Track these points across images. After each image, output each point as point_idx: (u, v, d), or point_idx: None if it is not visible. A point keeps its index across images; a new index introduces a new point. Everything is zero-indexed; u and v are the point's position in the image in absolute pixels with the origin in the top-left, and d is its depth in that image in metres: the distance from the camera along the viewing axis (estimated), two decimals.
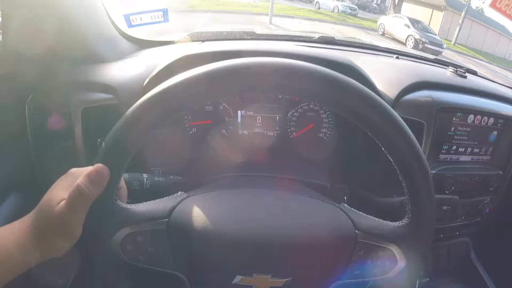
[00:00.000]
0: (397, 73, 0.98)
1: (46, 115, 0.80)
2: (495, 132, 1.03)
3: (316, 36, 1.35)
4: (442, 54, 12.65)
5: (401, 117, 0.84)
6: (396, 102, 0.88)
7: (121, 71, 0.89)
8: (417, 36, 12.55)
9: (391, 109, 0.46)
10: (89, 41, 0.91)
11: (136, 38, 1.16)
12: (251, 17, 13.18)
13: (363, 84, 0.46)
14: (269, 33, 1.57)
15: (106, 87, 0.81)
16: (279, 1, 18.30)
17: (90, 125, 0.79)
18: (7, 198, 0.77)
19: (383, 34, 14.52)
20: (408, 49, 1.95)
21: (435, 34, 13.63)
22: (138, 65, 0.91)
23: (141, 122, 0.44)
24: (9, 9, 0.78)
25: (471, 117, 0.96)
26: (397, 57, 1.28)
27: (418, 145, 0.47)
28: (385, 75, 0.96)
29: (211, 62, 0.75)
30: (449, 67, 1.15)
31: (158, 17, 1.12)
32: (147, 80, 0.83)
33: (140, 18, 1.09)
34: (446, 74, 1.08)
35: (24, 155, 0.82)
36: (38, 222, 0.45)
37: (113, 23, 1.04)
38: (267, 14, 12.25)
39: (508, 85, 1.52)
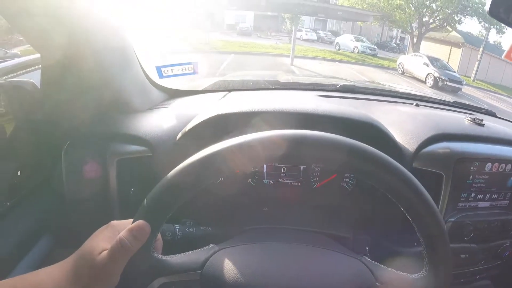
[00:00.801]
0: (416, 125, 1.00)
1: (81, 163, 0.84)
2: None
3: (338, 84, 1.40)
4: (462, 90, 12.67)
5: (420, 169, 0.86)
6: (416, 154, 0.90)
7: (154, 123, 0.93)
8: (436, 74, 12.62)
9: (409, 174, 0.50)
10: (124, 92, 0.97)
11: (166, 87, 1.24)
12: (273, 58, 13.65)
13: (384, 143, 0.48)
14: (292, 81, 1.66)
15: (140, 140, 0.85)
16: (300, 42, 18.96)
17: (124, 175, 0.83)
18: (39, 240, 0.81)
19: (403, 73, 14.67)
20: (427, 92, 2.01)
21: (454, 71, 13.67)
22: (170, 118, 0.96)
23: (181, 186, 0.48)
24: (49, 58, 0.83)
25: (489, 165, 0.97)
26: (416, 105, 1.31)
27: (433, 204, 0.49)
28: (405, 128, 0.99)
29: (238, 122, 0.86)
30: (467, 115, 1.17)
31: (188, 69, 1.18)
32: (179, 135, 0.88)
33: (171, 70, 1.15)
34: (464, 123, 1.10)
35: (58, 200, 0.85)
36: (78, 269, 0.47)
37: (145, 73, 1.11)
38: (289, 56, 12.67)
39: None
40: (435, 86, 12.35)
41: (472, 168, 0.95)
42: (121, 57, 0.97)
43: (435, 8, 19.58)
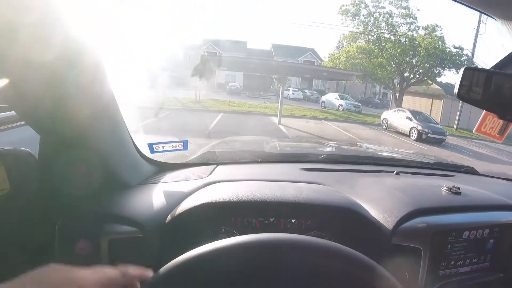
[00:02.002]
0: (394, 202, 1.05)
1: (74, 239, 0.85)
2: (491, 240, 1.07)
3: (322, 155, 1.50)
4: (446, 141, 13.04)
5: (399, 244, 0.94)
6: (394, 231, 0.94)
7: (145, 203, 0.99)
8: (419, 128, 13.02)
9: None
10: (116, 167, 1.03)
11: (157, 161, 1.28)
12: (262, 117, 14.02)
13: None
14: (277, 151, 1.78)
15: (131, 221, 0.89)
16: (287, 101, 19.61)
17: (117, 254, 0.85)
18: None
19: (387, 128, 15.10)
20: (409, 153, 2.10)
21: (437, 123, 14.14)
22: (160, 197, 1.02)
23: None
24: (48, 140, 0.91)
25: (466, 233, 1.02)
26: (397, 173, 1.36)
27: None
28: (383, 205, 1.03)
29: (224, 212, 0.95)
30: (446, 181, 1.24)
31: (178, 146, 1.25)
32: (169, 218, 0.93)
33: (162, 146, 1.22)
34: (440, 194, 1.15)
35: None
36: None
37: (136, 148, 1.16)
38: (277, 115, 13.03)
39: (508, 178, 1.63)
40: (419, 139, 12.71)
41: (449, 238, 1.00)
42: (114, 133, 1.01)
43: (414, 63, 20.61)
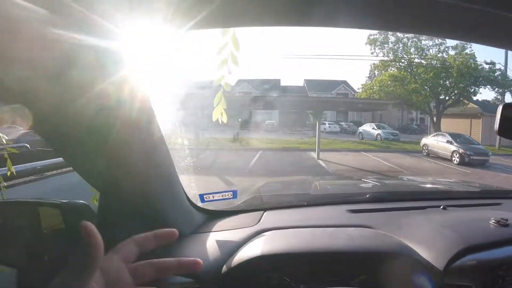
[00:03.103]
0: (444, 241, 1.05)
1: None
2: None
3: (367, 195, 1.51)
4: (489, 161, 12.37)
5: (451, 284, 0.95)
6: (445, 271, 0.94)
7: (199, 252, 1.02)
8: (461, 151, 12.55)
9: None
10: (169, 218, 1.04)
11: (206, 209, 1.30)
12: (300, 153, 14.15)
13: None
14: (323, 193, 1.82)
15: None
16: (324, 135, 19.52)
17: None
18: None
19: (428, 155, 14.61)
20: (454, 185, 2.03)
21: (478, 144, 13.58)
22: (213, 247, 1.05)
23: None
24: (107, 195, 0.92)
25: None
26: (443, 208, 1.36)
27: None
28: (433, 245, 1.03)
29: (277, 263, 0.99)
30: (494, 211, 1.25)
31: (228, 196, 1.29)
32: (224, 269, 0.96)
33: (213, 196, 1.26)
34: (489, 228, 1.14)
35: None
36: None
37: (187, 197, 1.18)
38: (315, 150, 13.09)
39: None
40: (462, 162, 12.25)
41: (500, 272, 0.98)
42: (168, 185, 1.03)
43: (448, 85, 20.12)
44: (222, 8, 0.54)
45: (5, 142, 0.97)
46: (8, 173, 1.01)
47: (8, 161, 1.00)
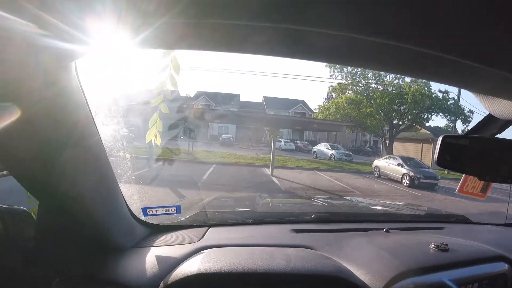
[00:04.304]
0: (383, 264, 1.08)
1: None
2: None
3: (312, 215, 1.52)
4: (438, 184, 13.01)
5: None
6: None
7: (139, 268, 1.01)
8: (411, 174, 13.03)
9: None
10: (111, 230, 1.05)
11: (149, 223, 1.30)
12: (254, 169, 14.07)
13: None
14: (269, 212, 1.79)
15: (124, 286, 0.92)
16: (279, 152, 19.82)
17: None
18: None
19: (379, 176, 15.11)
20: (400, 208, 2.10)
21: (428, 168, 14.20)
22: (153, 263, 1.03)
23: None
24: (46, 204, 0.94)
25: None
26: (386, 230, 1.39)
27: None
28: (372, 268, 1.05)
29: (218, 282, 0.97)
30: (435, 235, 1.28)
31: (171, 210, 1.27)
32: (162, 285, 0.95)
33: (156, 210, 1.24)
34: (428, 252, 1.18)
35: None
36: None
37: (130, 212, 1.19)
38: (269, 166, 13.11)
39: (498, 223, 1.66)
40: (412, 185, 12.70)
41: None
42: (108, 196, 1.04)
43: (402, 110, 20.98)
44: (166, 30, 0.53)
45: None
46: None
47: None
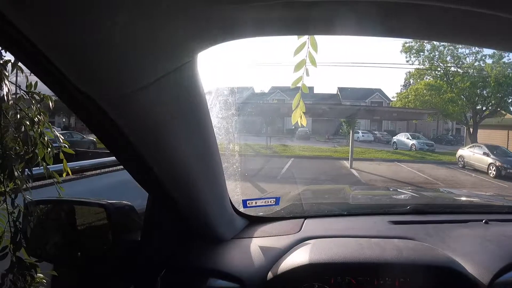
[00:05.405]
0: (488, 255, 1.05)
1: None
2: None
3: (408, 206, 1.49)
4: None
5: None
6: (490, 286, 0.94)
7: (243, 258, 1.05)
8: (498, 163, 12.04)
9: None
10: (215, 221, 1.07)
11: (247, 214, 1.32)
12: (332, 162, 14.00)
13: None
14: (362, 203, 1.86)
15: (233, 277, 0.94)
16: (357, 144, 19.21)
17: None
18: None
19: (463, 167, 14.08)
20: (494, 198, 1.95)
21: None
22: (258, 253, 1.06)
23: None
24: (154, 197, 0.98)
25: None
26: (486, 222, 1.32)
27: None
28: (477, 259, 1.02)
29: (330, 271, 0.98)
30: None
31: (271, 202, 1.30)
32: (270, 275, 0.97)
33: (255, 202, 1.27)
34: None
35: None
36: None
37: (231, 202, 1.20)
38: (348, 159, 12.98)
39: None
40: (499, 175, 11.73)
41: None
42: (214, 187, 1.03)
43: (486, 95, 19.31)
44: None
45: (62, 141, 0.99)
46: (64, 175, 1.01)
47: (64, 161, 1.00)
